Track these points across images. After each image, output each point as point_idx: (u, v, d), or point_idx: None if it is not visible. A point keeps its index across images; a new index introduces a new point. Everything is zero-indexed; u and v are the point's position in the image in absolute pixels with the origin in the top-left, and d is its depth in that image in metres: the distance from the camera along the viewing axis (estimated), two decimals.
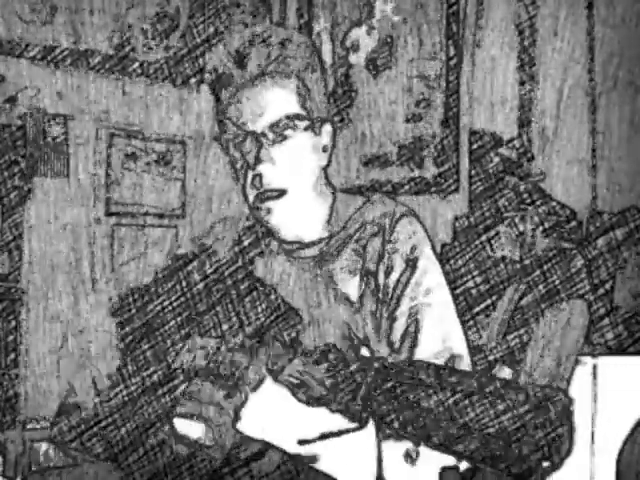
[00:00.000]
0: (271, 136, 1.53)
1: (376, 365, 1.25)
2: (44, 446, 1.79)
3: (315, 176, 1.57)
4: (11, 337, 1.82)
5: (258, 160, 1.52)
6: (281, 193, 1.54)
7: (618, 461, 1.64)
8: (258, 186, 1.54)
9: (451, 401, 1.21)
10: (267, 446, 1.31)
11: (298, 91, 1.54)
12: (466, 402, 1.21)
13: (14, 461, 1.78)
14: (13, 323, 1.83)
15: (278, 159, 1.53)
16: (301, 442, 1.28)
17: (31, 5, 1.87)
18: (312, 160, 1.57)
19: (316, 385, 1.25)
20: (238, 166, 1.57)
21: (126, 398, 1.51)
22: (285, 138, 1.53)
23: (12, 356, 1.82)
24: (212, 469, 1.38)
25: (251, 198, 1.56)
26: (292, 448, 1.30)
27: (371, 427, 1.29)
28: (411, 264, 1.53)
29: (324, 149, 1.58)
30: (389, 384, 1.24)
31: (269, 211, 1.55)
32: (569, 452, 1.21)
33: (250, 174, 1.55)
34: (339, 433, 1.27)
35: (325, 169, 1.60)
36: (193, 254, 1.63)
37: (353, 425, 1.26)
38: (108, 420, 1.51)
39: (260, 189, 1.54)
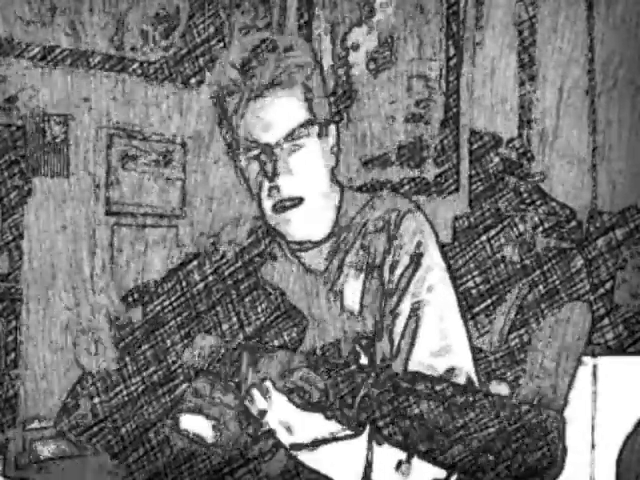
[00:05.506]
0: (287, 147, 1.52)
1: (373, 374, 1.25)
2: (44, 445, 1.79)
3: (327, 179, 1.57)
4: (11, 337, 1.82)
5: (276, 173, 1.51)
6: (299, 201, 1.53)
7: (618, 461, 1.64)
8: (276, 197, 1.53)
9: (443, 413, 1.21)
10: (275, 446, 1.31)
11: (305, 96, 1.54)
12: (458, 416, 1.20)
13: (14, 461, 1.78)
14: (13, 323, 1.83)
15: (295, 169, 1.53)
16: (293, 446, 1.28)
17: (31, 5, 1.87)
18: (324, 164, 1.57)
19: (313, 390, 1.25)
20: (251, 176, 1.56)
21: (126, 398, 1.51)
22: (301, 147, 1.52)
23: (12, 356, 1.82)
24: (212, 469, 1.37)
25: (268, 208, 1.55)
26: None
27: (364, 434, 1.28)
28: (415, 260, 1.53)
29: (332, 150, 1.59)
30: (386, 392, 1.23)
31: (287, 222, 1.54)
32: (559, 473, 1.21)
33: (266, 185, 1.54)
34: (331, 440, 1.26)
35: (332, 169, 1.60)
36: (199, 255, 1.63)
37: (347, 432, 1.26)
38: (108, 420, 1.51)
39: (277, 199, 1.53)
